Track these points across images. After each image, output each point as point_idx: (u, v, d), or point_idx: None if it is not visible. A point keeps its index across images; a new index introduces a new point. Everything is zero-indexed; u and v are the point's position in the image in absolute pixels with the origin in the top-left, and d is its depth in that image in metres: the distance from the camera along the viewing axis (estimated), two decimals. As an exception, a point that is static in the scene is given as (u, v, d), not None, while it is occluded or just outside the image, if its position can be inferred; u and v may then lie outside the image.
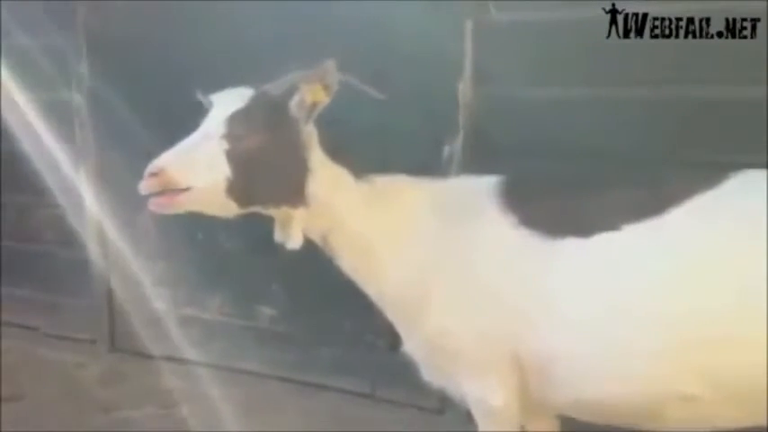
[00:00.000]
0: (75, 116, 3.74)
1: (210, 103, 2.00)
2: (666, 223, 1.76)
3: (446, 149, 2.83)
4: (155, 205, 1.87)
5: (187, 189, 1.86)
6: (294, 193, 1.97)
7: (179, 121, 1.93)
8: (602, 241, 1.82)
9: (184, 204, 1.89)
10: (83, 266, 3.87)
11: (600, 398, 1.83)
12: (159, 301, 3.70)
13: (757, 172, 1.77)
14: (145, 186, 1.84)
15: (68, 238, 3.89)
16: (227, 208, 1.94)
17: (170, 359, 3.61)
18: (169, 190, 1.85)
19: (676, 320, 1.70)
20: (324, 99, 1.96)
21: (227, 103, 1.96)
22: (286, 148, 1.96)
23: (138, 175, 1.86)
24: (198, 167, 1.86)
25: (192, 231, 3.50)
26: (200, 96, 2.07)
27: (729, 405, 1.70)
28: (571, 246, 1.85)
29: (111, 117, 3.56)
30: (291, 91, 1.97)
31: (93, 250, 3.82)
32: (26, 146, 3.82)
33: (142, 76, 3.38)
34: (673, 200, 1.77)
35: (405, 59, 2.80)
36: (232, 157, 1.89)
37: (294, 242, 1.99)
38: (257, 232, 2.11)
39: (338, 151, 2.06)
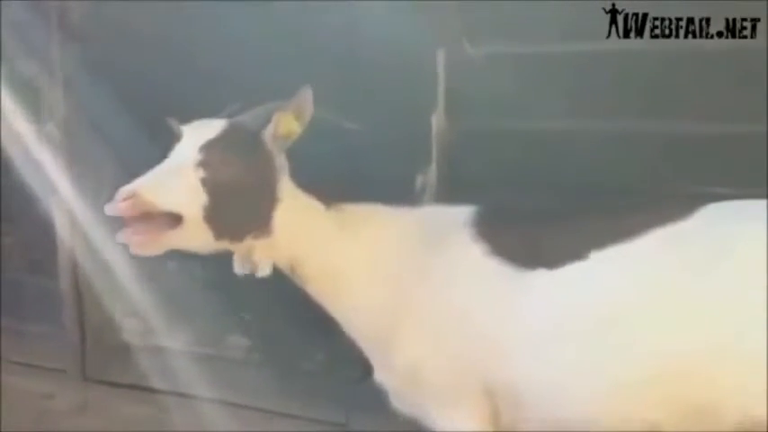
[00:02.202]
0: (49, 144, 3.69)
1: (180, 134, 1.99)
2: (635, 253, 1.78)
3: (419, 180, 2.85)
4: (136, 246, 1.81)
5: (176, 225, 1.82)
6: (261, 223, 1.98)
7: (155, 150, 1.93)
8: (572, 271, 1.84)
9: (171, 241, 1.85)
10: (53, 294, 3.80)
11: (565, 424, 1.84)
12: (131, 331, 3.66)
13: (729, 203, 1.80)
14: (118, 208, 1.76)
15: (38, 266, 3.84)
16: (205, 240, 1.91)
17: (142, 389, 3.56)
18: (151, 226, 1.81)
19: (644, 350, 1.71)
20: (296, 129, 1.97)
21: (198, 133, 1.96)
22: (257, 178, 1.96)
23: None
24: (174, 192, 1.83)
25: (164, 261, 3.47)
26: (172, 124, 2.05)
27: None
28: (542, 275, 1.88)
29: (86, 145, 3.55)
30: (265, 121, 1.98)
31: (65, 278, 3.76)
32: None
33: (118, 104, 3.36)
34: (643, 230, 1.79)
35: (377, 89, 2.82)
36: (208, 185, 1.87)
37: (263, 270, 2.00)
38: (230, 262, 2.10)
39: (309, 183, 2.07)
